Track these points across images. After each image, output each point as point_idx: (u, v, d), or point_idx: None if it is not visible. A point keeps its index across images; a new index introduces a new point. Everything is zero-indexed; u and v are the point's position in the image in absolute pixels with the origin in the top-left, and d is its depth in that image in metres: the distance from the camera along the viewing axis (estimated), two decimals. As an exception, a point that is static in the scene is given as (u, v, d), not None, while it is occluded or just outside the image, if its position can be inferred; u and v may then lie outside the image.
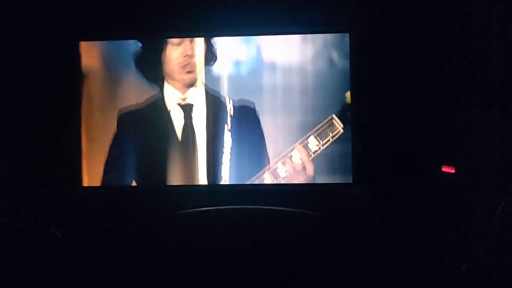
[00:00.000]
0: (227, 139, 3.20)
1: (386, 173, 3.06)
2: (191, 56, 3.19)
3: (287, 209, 1.27)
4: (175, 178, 3.22)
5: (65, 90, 3.22)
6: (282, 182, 3.17)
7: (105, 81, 3.26)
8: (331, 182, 3.15)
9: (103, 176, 3.24)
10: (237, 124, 3.21)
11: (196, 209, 1.26)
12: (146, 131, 3.23)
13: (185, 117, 3.22)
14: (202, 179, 3.21)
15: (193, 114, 3.22)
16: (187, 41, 3.20)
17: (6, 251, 1.28)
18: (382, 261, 1.21)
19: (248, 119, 3.20)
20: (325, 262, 1.21)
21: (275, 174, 3.19)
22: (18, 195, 3.07)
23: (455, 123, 2.79)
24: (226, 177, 3.20)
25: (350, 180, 3.13)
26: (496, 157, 2.44)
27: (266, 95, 3.20)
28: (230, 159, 3.20)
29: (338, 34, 3.18)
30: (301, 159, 3.17)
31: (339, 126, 3.16)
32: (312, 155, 3.17)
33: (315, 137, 3.16)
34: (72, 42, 3.23)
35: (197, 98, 3.22)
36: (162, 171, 3.22)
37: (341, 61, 3.18)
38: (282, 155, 3.18)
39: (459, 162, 2.73)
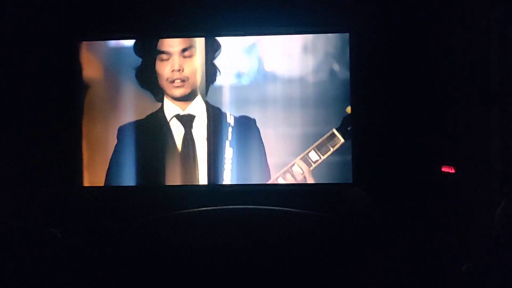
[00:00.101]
0: (228, 150, 3.20)
1: (386, 173, 3.05)
2: (179, 70, 3.18)
3: (287, 209, 1.27)
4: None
5: (66, 90, 3.22)
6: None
7: (107, 88, 3.25)
8: (331, 182, 3.15)
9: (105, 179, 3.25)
10: (238, 136, 3.20)
11: (196, 209, 1.26)
12: (146, 142, 3.22)
13: (185, 129, 3.22)
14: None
15: (194, 125, 3.22)
16: (175, 55, 3.19)
17: (6, 251, 1.28)
18: (382, 261, 1.21)
19: (248, 130, 3.19)
20: (325, 262, 1.21)
21: None
22: (18, 195, 3.07)
23: (455, 123, 2.79)
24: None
25: (350, 180, 3.13)
26: (496, 157, 2.44)
27: (266, 107, 3.19)
28: (231, 170, 3.20)
29: (338, 35, 3.17)
30: (302, 174, 3.17)
31: (340, 140, 3.15)
32: (313, 164, 3.17)
33: (315, 151, 3.16)
34: (72, 42, 3.23)
35: (198, 110, 3.21)
36: (162, 182, 3.22)
37: (341, 73, 3.17)
38: (283, 170, 3.17)
39: (459, 162, 2.73)
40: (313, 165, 3.16)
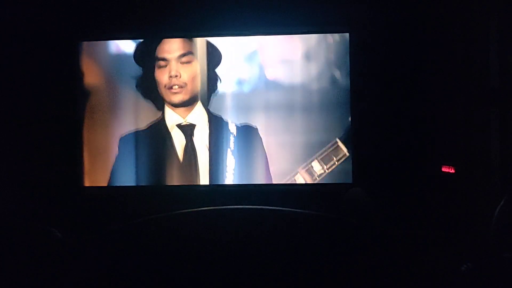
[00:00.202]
0: (230, 160, 3.19)
1: (386, 173, 3.05)
2: (177, 76, 3.18)
3: (287, 209, 1.27)
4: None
5: (67, 91, 3.22)
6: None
7: (108, 97, 3.26)
8: (331, 182, 3.15)
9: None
10: (240, 145, 3.19)
11: (197, 209, 1.26)
12: (147, 151, 3.22)
13: (186, 138, 3.21)
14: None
15: (195, 134, 3.21)
16: (172, 61, 3.18)
17: (6, 251, 1.28)
18: (382, 260, 1.21)
19: (251, 139, 3.18)
20: (325, 262, 1.21)
21: None
22: (18, 195, 3.07)
23: (455, 123, 2.79)
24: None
25: (350, 180, 3.13)
26: (495, 157, 2.44)
27: (268, 115, 3.18)
28: (232, 180, 3.19)
29: (339, 40, 3.16)
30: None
31: (344, 150, 3.14)
32: (318, 178, 3.16)
33: (319, 162, 3.15)
34: (72, 42, 3.23)
35: (199, 119, 3.21)
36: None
37: (344, 80, 3.16)
38: (286, 180, 3.17)
39: (459, 162, 2.73)
40: (318, 179, 3.15)
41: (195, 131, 3.21)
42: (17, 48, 3.18)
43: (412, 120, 3.08)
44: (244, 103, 3.19)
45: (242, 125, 3.20)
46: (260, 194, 3.14)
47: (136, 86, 3.22)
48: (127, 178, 3.22)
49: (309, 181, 3.16)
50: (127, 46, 3.25)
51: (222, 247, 1.21)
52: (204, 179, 3.20)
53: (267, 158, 3.17)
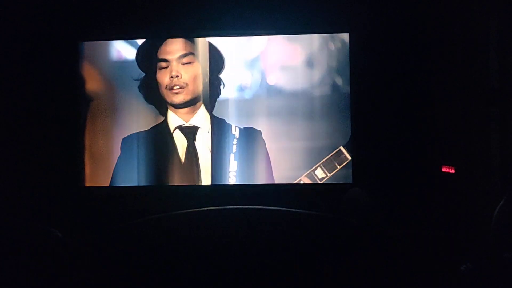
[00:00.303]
0: (232, 163, 3.18)
1: (386, 173, 3.05)
2: (177, 77, 3.18)
3: (287, 209, 1.27)
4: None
5: (69, 92, 3.22)
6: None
7: (110, 100, 3.26)
8: (331, 182, 3.15)
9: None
10: (243, 148, 3.18)
11: (197, 209, 1.26)
12: (149, 153, 3.22)
13: (188, 140, 3.21)
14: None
15: (197, 137, 3.20)
16: (173, 62, 3.19)
17: (6, 251, 1.28)
18: (382, 261, 1.21)
19: (254, 142, 3.17)
20: (324, 262, 1.21)
21: None
22: (19, 195, 3.07)
23: (455, 123, 2.79)
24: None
25: (350, 180, 3.13)
26: (495, 157, 2.44)
27: (270, 121, 3.17)
28: (235, 183, 3.18)
29: (340, 47, 3.15)
30: None
31: (347, 157, 3.14)
32: (319, 182, 3.15)
33: (322, 168, 3.14)
34: (73, 42, 3.23)
35: (202, 121, 3.20)
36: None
37: (345, 86, 3.16)
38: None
39: (459, 162, 2.73)
40: (319, 183, 3.15)
41: (198, 134, 3.21)
42: (18, 48, 3.18)
43: (412, 120, 3.08)
44: (246, 109, 3.18)
45: (246, 127, 3.19)
46: (260, 194, 3.14)
47: (139, 89, 3.22)
48: (129, 179, 3.22)
49: None
50: (130, 48, 3.25)
51: (223, 247, 1.21)
52: (205, 181, 3.19)
53: (270, 162, 3.17)
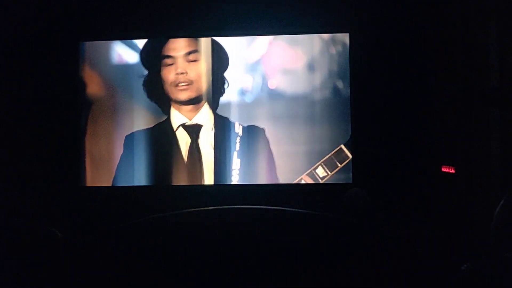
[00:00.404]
0: (236, 161, 3.17)
1: (386, 173, 3.05)
2: (183, 73, 3.17)
3: (287, 209, 1.27)
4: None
5: (70, 91, 3.22)
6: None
7: (113, 100, 3.26)
8: (331, 182, 3.15)
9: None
10: (246, 146, 3.17)
11: (199, 209, 1.26)
12: (151, 151, 3.21)
13: (191, 138, 3.20)
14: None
15: (200, 135, 3.19)
16: (179, 59, 3.18)
17: (6, 251, 1.28)
18: (382, 261, 1.21)
19: (257, 140, 3.16)
20: (324, 262, 1.21)
21: None
22: (19, 195, 3.07)
23: (455, 123, 2.79)
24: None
25: (350, 180, 3.13)
26: (495, 157, 2.44)
27: (272, 124, 3.17)
28: (238, 181, 3.17)
29: (340, 51, 3.15)
30: None
31: (348, 155, 3.13)
32: (321, 181, 3.14)
33: (323, 167, 3.14)
34: (73, 42, 3.23)
35: (205, 119, 3.20)
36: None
37: (346, 87, 3.15)
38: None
39: (459, 162, 2.73)
40: (321, 182, 3.15)
41: (201, 132, 3.20)
42: (18, 48, 3.18)
43: (412, 120, 3.08)
44: (247, 112, 3.18)
45: (249, 125, 3.18)
46: (260, 193, 3.14)
47: (143, 86, 3.21)
48: (131, 177, 3.21)
49: None
50: (131, 47, 3.25)
51: (225, 246, 1.21)
52: (209, 180, 3.18)
53: (273, 159, 3.16)
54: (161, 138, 3.21)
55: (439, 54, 2.97)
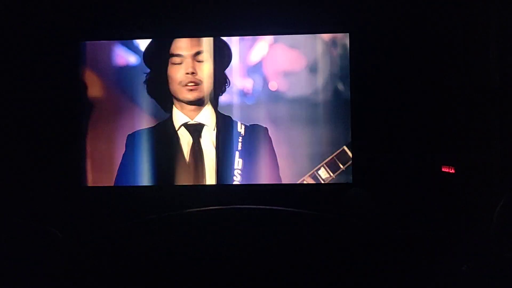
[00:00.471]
0: (238, 161, 3.15)
1: (386, 173, 3.05)
2: (193, 73, 3.15)
3: (287, 209, 1.27)
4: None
5: (72, 89, 3.22)
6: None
7: (115, 99, 3.24)
8: (331, 182, 3.15)
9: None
10: (249, 145, 3.15)
11: (201, 208, 1.26)
12: (153, 151, 3.20)
13: (193, 138, 3.18)
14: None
15: (202, 135, 3.17)
16: (188, 59, 3.16)
17: (6, 251, 1.29)
18: (382, 261, 1.21)
19: (260, 140, 3.14)
20: (324, 262, 1.21)
21: None
22: (19, 195, 3.07)
23: (455, 123, 2.79)
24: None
25: (350, 180, 3.13)
26: (495, 157, 2.44)
27: (274, 126, 3.16)
28: (240, 181, 3.15)
29: (341, 53, 3.15)
30: None
31: (351, 157, 3.11)
32: (323, 182, 3.14)
33: (325, 168, 3.13)
34: (74, 42, 3.24)
35: (207, 119, 3.18)
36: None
37: (346, 88, 3.15)
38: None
39: (459, 162, 2.74)
40: (321, 183, 3.13)
41: (203, 131, 3.18)
42: (19, 47, 3.18)
43: (412, 120, 3.08)
44: (248, 114, 3.17)
45: (251, 124, 3.17)
46: (260, 193, 3.14)
47: (145, 86, 3.19)
48: (133, 176, 3.21)
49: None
50: (132, 47, 3.24)
51: (226, 246, 1.21)
52: (210, 179, 3.18)
53: (276, 159, 3.14)
54: (163, 137, 3.20)
55: (439, 54, 2.97)
